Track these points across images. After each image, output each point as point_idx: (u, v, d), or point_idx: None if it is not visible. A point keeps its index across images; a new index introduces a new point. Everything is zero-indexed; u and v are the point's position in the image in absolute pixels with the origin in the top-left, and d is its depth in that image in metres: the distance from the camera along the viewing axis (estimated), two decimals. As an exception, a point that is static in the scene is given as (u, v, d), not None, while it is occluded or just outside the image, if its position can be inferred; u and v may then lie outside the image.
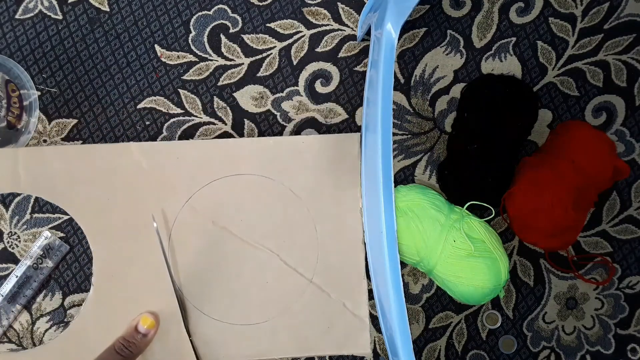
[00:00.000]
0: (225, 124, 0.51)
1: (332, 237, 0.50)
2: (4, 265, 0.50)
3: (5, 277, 0.49)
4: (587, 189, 0.46)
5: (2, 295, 0.49)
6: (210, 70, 0.51)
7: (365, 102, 0.49)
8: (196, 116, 0.51)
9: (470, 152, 0.48)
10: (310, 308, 0.49)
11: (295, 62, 0.51)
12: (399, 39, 0.47)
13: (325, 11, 0.51)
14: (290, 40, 0.51)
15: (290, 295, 0.49)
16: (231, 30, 0.51)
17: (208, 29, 0.51)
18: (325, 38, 0.51)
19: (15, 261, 0.50)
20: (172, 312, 0.48)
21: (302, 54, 0.51)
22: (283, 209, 0.50)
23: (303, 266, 0.50)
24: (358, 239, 0.50)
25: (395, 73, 0.51)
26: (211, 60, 0.51)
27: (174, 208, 0.49)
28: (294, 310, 0.49)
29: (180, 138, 0.51)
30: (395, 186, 0.49)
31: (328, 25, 0.51)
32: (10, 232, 0.50)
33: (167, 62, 0.51)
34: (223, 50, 0.51)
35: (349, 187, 0.50)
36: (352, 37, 0.51)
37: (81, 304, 0.49)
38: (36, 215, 0.50)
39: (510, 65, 0.51)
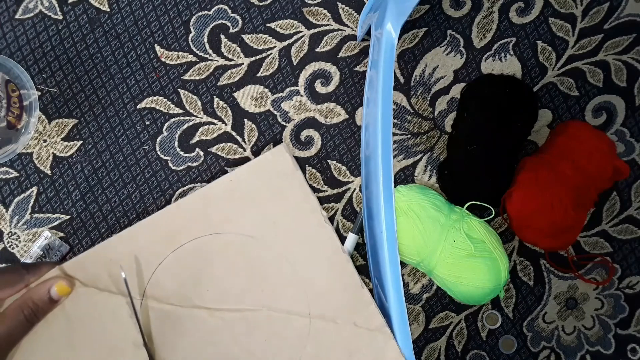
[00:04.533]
0: (225, 124, 0.51)
1: (309, 260, 0.44)
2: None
3: (5, 277, 0.49)
4: (587, 189, 0.46)
5: (2, 296, 0.48)
6: (210, 70, 0.51)
7: (365, 102, 0.49)
8: (196, 116, 0.51)
9: (470, 152, 0.48)
10: (322, 344, 0.44)
11: (295, 62, 0.51)
12: (399, 39, 0.47)
13: (325, 11, 0.51)
14: (290, 40, 0.51)
15: (296, 340, 0.44)
16: (231, 30, 0.51)
17: (208, 29, 0.51)
18: (325, 38, 0.51)
19: (15, 261, 0.50)
20: None
21: (302, 54, 0.51)
22: (244, 258, 0.44)
23: (295, 305, 0.44)
24: (337, 247, 0.45)
25: (395, 73, 0.50)
26: (211, 60, 0.51)
27: (133, 307, 0.44)
28: (308, 354, 0.44)
29: (180, 138, 0.51)
30: (395, 186, 0.49)
31: (328, 25, 0.51)
32: (10, 232, 0.50)
33: (167, 62, 0.51)
34: (223, 50, 0.51)
35: (302, 200, 0.45)
36: (352, 37, 0.51)
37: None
38: (36, 215, 0.50)
39: (510, 65, 0.51)
